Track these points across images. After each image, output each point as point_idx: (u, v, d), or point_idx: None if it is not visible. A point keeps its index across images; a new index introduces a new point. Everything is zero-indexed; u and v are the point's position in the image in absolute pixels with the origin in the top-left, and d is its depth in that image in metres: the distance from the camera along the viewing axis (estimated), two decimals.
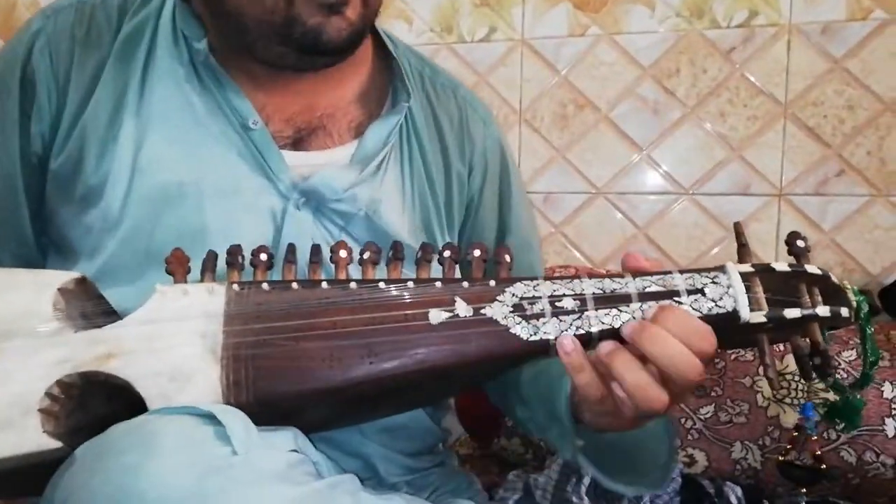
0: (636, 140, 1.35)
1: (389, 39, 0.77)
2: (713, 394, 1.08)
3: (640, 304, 0.51)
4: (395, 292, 0.54)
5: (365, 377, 0.51)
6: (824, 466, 1.01)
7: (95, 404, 0.53)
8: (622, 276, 0.53)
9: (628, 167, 1.36)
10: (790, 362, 1.05)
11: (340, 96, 0.74)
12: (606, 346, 0.50)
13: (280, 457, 0.46)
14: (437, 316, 0.52)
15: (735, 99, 1.29)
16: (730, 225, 1.30)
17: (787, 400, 1.06)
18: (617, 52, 1.34)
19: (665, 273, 0.52)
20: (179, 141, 0.67)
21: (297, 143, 0.71)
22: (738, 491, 1.01)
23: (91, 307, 0.58)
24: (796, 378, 1.07)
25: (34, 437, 0.48)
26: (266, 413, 0.49)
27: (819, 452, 1.01)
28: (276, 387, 0.50)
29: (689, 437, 1.08)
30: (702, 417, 1.08)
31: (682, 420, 1.08)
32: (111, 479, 0.42)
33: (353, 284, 0.54)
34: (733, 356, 1.09)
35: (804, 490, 1.02)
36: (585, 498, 0.94)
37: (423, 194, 0.75)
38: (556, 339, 0.51)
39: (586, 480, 0.97)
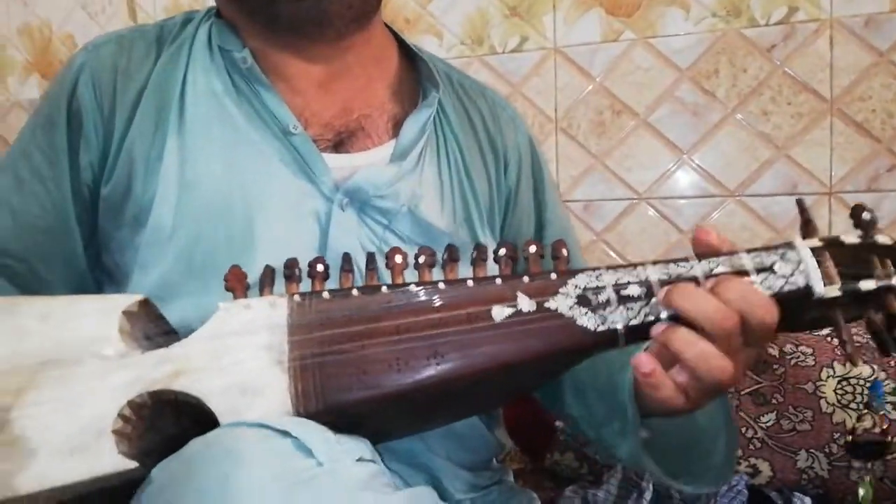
0: (677, 143, 1.33)
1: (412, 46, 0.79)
2: (774, 401, 1.05)
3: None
4: (455, 292, 0.52)
5: (431, 379, 0.49)
6: (892, 438, 0.97)
7: (165, 424, 0.52)
8: (687, 261, 0.51)
9: (670, 171, 1.33)
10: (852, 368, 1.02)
11: (374, 96, 0.75)
12: (658, 328, 0.49)
13: (363, 467, 0.45)
14: (499, 312, 0.51)
15: (778, 97, 1.26)
16: (779, 227, 1.27)
17: (853, 405, 1.02)
18: (653, 55, 1.32)
19: (731, 253, 0.51)
20: (222, 153, 0.68)
21: (338, 146, 0.71)
22: (808, 501, 0.97)
23: (153, 328, 0.58)
24: (861, 382, 1.03)
25: (110, 459, 0.47)
26: (335, 422, 0.48)
27: (886, 427, 0.97)
28: (344, 393, 0.49)
29: (752, 446, 1.04)
30: (763, 426, 1.04)
31: (744, 429, 1.04)
32: (207, 489, 0.42)
33: (412, 287, 0.53)
34: (793, 362, 1.06)
35: (871, 464, 0.99)
36: None
37: (462, 187, 0.75)
38: (623, 327, 0.49)
39: (648, 495, 0.93)
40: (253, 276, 0.56)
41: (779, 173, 1.27)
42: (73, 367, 0.51)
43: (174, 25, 0.74)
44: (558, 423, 1.14)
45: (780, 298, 0.48)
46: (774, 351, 1.06)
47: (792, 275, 0.49)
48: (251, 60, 0.69)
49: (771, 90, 1.27)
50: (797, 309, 0.48)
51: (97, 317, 0.54)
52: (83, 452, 0.48)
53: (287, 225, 0.67)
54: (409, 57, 0.79)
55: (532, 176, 0.82)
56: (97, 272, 0.73)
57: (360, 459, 0.46)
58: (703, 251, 0.51)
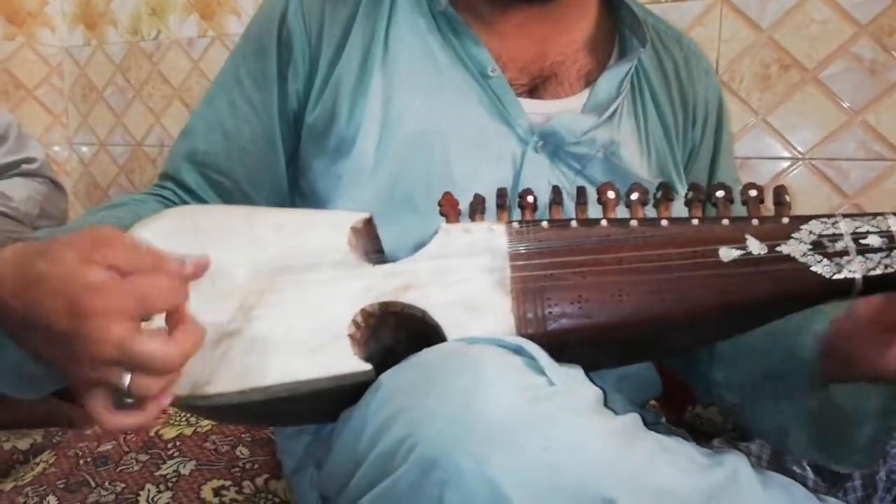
0: (848, 102, 1.25)
1: None
2: None
3: None
4: (679, 230, 0.53)
5: (654, 313, 0.51)
6: None
7: (384, 334, 0.55)
8: None
9: (838, 131, 1.26)
10: None
11: (569, 42, 0.74)
12: None
13: (589, 390, 0.47)
14: (727, 254, 0.51)
15: None
16: None
17: None
18: (830, 7, 1.25)
19: None
20: (424, 92, 0.70)
21: (532, 92, 0.72)
22: None
23: (371, 246, 0.61)
24: None
25: (348, 360, 0.50)
26: (552, 346, 0.50)
27: None
28: (565, 320, 0.51)
29: None
30: None
31: None
32: (449, 399, 0.43)
33: (633, 222, 0.54)
34: None
35: None
36: (809, 468, 0.90)
37: (659, 140, 0.75)
38: (862, 277, 0.49)
39: None
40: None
41: None
42: (308, 272, 0.55)
43: None
44: None
45: None
46: None
47: None
48: (446, 3, 0.70)
49: None
50: None
51: (328, 229, 0.57)
52: (322, 352, 0.51)
53: (482, 164, 0.68)
54: (609, 1, 0.77)
55: (714, 132, 0.81)
56: (293, 195, 0.78)
57: (585, 385, 0.48)
58: None
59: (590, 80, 0.73)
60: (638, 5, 0.79)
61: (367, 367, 0.50)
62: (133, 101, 2.06)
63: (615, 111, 0.72)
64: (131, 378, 0.45)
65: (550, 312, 0.51)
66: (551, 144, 0.69)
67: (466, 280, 0.53)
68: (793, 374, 0.60)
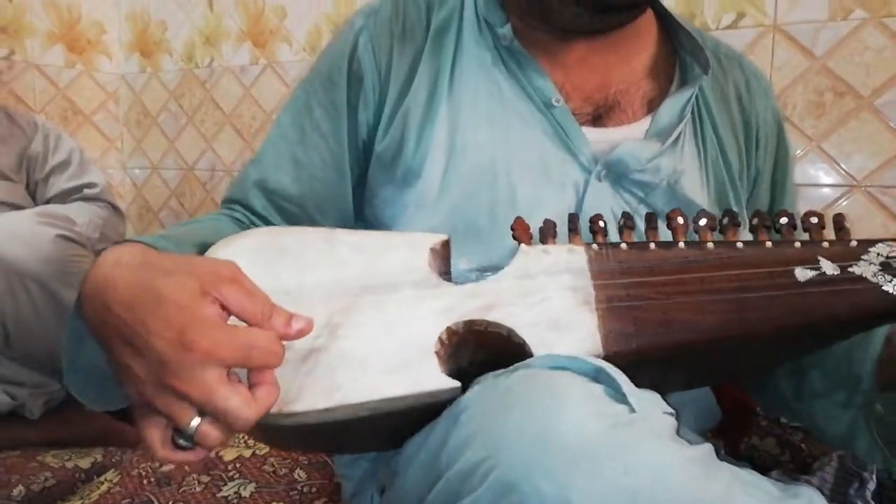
0: None
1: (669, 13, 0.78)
2: None
3: None
4: (753, 252, 0.54)
5: (737, 331, 0.52)
6: None
7: (464, 352, 0.56)
8: None
9: (894, 159, 1.25)
10: None
11: (631, 71, 0.75)
12: None
13: (667, 418, 0.47)
14: (803, 274, 0.52)
15: None
16: None
17: None
18: (886, 35, 1.25)
19: None
20: (489, 122, 0.71)
21: (596, 120, 0.73)
22: None
23: (447, 267, 0.62)
24: None
25: (436, 377, 0.51)
26: (639, 365, 0.51)
27: None
28: (653, 337, 0.52)
29: None
30: None
31: None
32: (530, 421, 0.43)
33: (710, 245, 0.55)
34: None
35: None
36: (872, 502, 0.88)
37: (718, 168, 0.75)
38: None
39: (871, 485, 0.90)
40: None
41: None
42: (389, 293, 0.56)
43: None
44: (760, 408, 1.12)
45: None
46: None
47: None
48: (511, 37, 0.71)
49: None
50: None
51: (407, 250, 0.58)
52: (409, 369, 0.51)
53: (546, 192, 0.69)
54: (667, 28, 0.79)
55: (775, 154, 0.81)
56: (358, 223, 0.79)
57: (664, 412, 0.48)
58: None
59: (652, 107, 0.74)
60: (696, 30, 0.79)
61: (456, 383, 0.51)
62: (186, 126, 2.12)
63: (678, 137, 0.73)
64: (199, 423, 0.46)
65: (636, 329, 0.52)
66: (614, 173, 0.70)
67: (551, 298, 0.54)
68: (856, 382, 0.61)
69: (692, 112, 0.75)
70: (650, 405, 0.47)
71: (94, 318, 0.50)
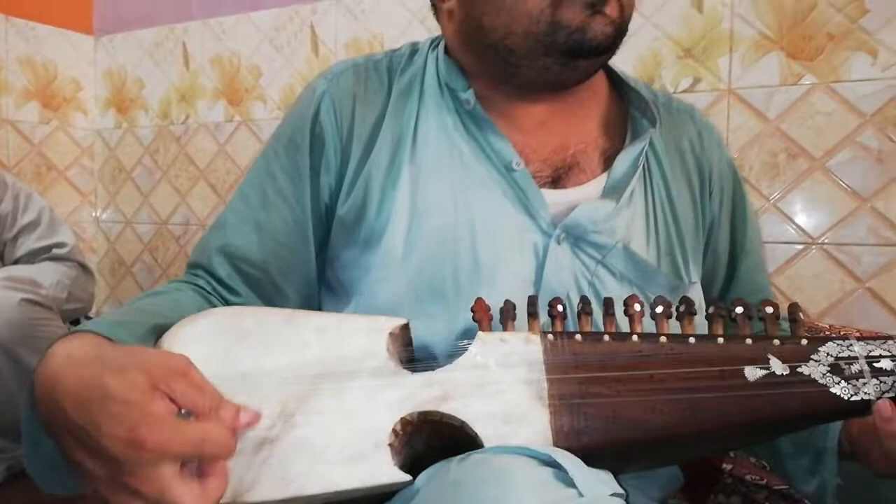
0: (857, 189, 1.29)
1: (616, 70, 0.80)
2: None
3: None
4: (705, 348, 0.56)
5: (685, 430, 0.53)
6: None
7: (417, 441, 0.57)
8: None
9: (847, 218, 1.30)
10: None
11: (588, 130, 0.77)
12: None
13: (616, 501, 0.49)
14: (752, 373, 0.54)
15: None
16: None
17: None
18: (835, 100, 1.30)
19: None
20: (451, 185, 0.72)
21: (556, 182, 0.74)
22: None
23: (406, 351, 0.64)
24: None
25: (388, 471, 0.52)
26: (588, 459, 0.52)
27: None
28: (601, 434, 0.53)
29: None
30: None
31: None
32: None
33: (662, 339, 0.57)
34: None
35: None
36: None
37: (666, 219, 0.76)
38: (876, 399, 0.52)
39: None
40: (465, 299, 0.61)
41: None
42: (347, 380, 0.57)
43: (401, 56, 0.79)
44: (725, 465, 1.14)
45: None
46: None
47: None
48: (474, 102, 0.73)
49: None
50: None
51: (367, 335, 0.59)
52: (363, 461, 0.53)
53: (507, 255, 0.70)
54: (617, 87, 0.81)
55: (732, 203, 0.82)
56: (320, 285, 0.80)
57: (613, 494, 0.50)
58: None
59: (608, 164, 0.76)
60: (645, 87, 0.82)
61: (407, 477, 0.52)
62: (160, 181, 2.13)
63: (632, 193, 0.74)
64: None
65: (587, 426, 0.53)
66: (573, 235, 0.71)
67: (505, 391, 0.55)
68: (819, 454, 0.64)
69: (644, 165, 0.76)
70: (600, 487, 0.48)
71: (46, 414, 0.51)
